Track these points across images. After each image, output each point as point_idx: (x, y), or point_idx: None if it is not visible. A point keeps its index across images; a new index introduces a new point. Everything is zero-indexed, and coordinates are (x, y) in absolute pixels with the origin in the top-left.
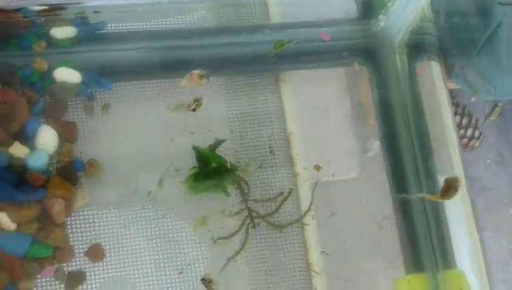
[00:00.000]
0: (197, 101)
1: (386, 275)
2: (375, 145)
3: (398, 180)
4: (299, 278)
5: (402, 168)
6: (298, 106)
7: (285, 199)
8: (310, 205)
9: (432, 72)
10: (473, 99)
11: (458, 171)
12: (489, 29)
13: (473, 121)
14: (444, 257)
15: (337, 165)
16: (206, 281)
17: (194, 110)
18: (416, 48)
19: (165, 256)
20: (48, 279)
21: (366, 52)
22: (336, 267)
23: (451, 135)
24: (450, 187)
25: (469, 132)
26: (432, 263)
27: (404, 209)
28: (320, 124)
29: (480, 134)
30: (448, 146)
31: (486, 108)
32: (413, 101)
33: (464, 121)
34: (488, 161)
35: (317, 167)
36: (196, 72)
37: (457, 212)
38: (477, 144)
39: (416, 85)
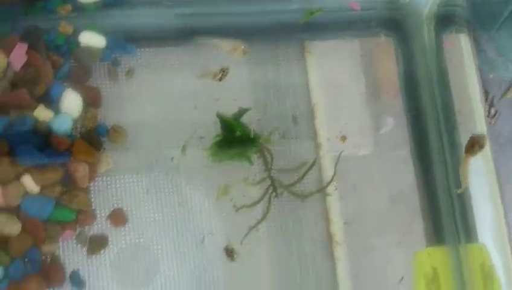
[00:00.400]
0: (224, 71)
1: (404, 249)
2: (390, 121)
3: (422, 154)
4: (320, 248)
5: (426, 141)
6: (323, 77)
7: (309, 169)
8: (333, 176)
9: (461, 44)
10: (491, 76)
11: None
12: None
13: (489, 98)
14: (466, 230)
15: (358, 139)
16: (229, 251)
17: (220, 79)
18: (444, 19)
19: (187, 224)
20: (70, 243)
21: (394, 23)
22: (357, 238)
23: (478, 109)
24: (476, 144)
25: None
26: (454, 236)
27: (426, 182)
28: (343, 97)
29: (496, 112)
30: (474, 120)
31: (503, 86)
32: (439, 73)
33: None
34: (502, 138)
35: (343, 138)
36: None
37: (481, 185)
38: (492, 121)
39: (442, 57)
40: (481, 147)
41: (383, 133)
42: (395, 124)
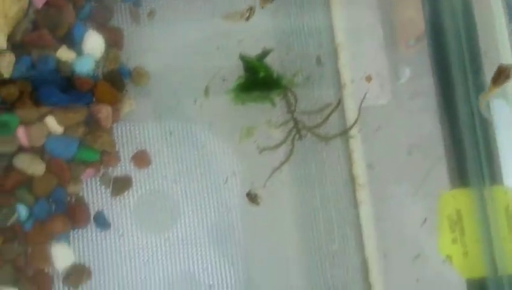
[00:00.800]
0: (251, 10)
1: (427, 193)
2: (408, 71)
3: (447, 95)
4: (343, 191)
5: (451, 82)
6: (347, 18)
7: (333, 110)
8: (358, 117)
9: None
10: None
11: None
12: None
13: None
14: (491, 172)
15: (380, 82)
16: (252, 196)
17: (247, 19)
18: None
19: (209, 166)
20: (94, 184)
21: None
22: (380, 181)
23: (505, 49)
24: (502, 73)
25: None
26: (479, 178)
27: (451, 123)
28: (366, 39)
29: None
30: (500, 62)
31: None
32: (464, 13)
33: None
34: None
35: (369, 78)
36: None
37: (506, 128)
38: None
39: None
40: (507, 77)
41: (402, 82)
42: (414, 73)
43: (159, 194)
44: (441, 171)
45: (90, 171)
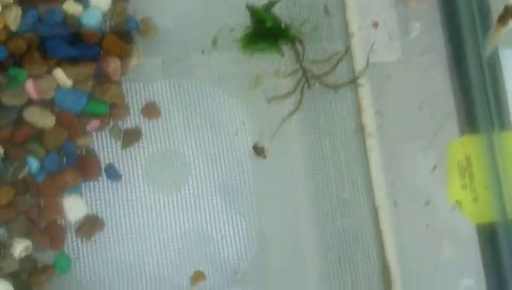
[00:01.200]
0: None
1: (436, 141)
2: (418, 26)
3: (457, 49)
4: (352, 140)
5: (461, 37)
6: None
7: (341, 58)
8: (366, 65)
9: None
10: None
11: None
12: None
13: None
14: (500, 118)
15: (389, 34)
16: (258, 149)
17: None
18: None
19: (219, 117)
20: (104, 137)
21: None
22: (389, 129)
23: None
24: (508, 12)
25: None
26: (487, 124)
27: (461, 76)
28: None
29: None
30: None
31: None
32: None
33: None
34: None
35: (375, 24)
36: None
37: None
38: None
39: None
40: None
41: (412, 37)
42: (424, 29)
43: (169, 146)
44: (452, 123)
45: (95, 122)
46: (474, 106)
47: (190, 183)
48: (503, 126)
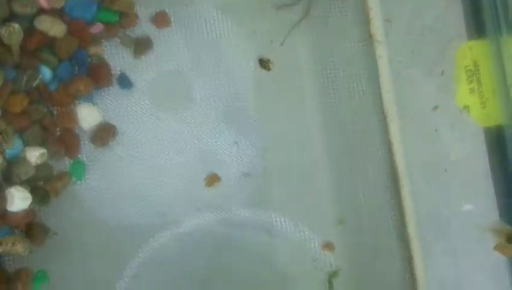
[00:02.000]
0: None
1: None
2: None
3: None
4: (361, 48)
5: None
6: None
7: None
8: None
9: None
10: None
11: None
12: None
13: None
14: (507, 22)
15: None
16: (264, 62)
17: None
18: None
19: (229, 27)
20: (115, 46)
21: None
22: (397, 37)
23: None
24: None
25: None
26: (495, 29)
27: None
28: None
29: None
30: None
31: None
32: None
33: None
34: None
35: None
36: None
37: None
38: None
39: None
40: None
41: None
42: None
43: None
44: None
45: (98, 25)
46: (481, 10)
47: (199, 91)
48: (510, 30)
